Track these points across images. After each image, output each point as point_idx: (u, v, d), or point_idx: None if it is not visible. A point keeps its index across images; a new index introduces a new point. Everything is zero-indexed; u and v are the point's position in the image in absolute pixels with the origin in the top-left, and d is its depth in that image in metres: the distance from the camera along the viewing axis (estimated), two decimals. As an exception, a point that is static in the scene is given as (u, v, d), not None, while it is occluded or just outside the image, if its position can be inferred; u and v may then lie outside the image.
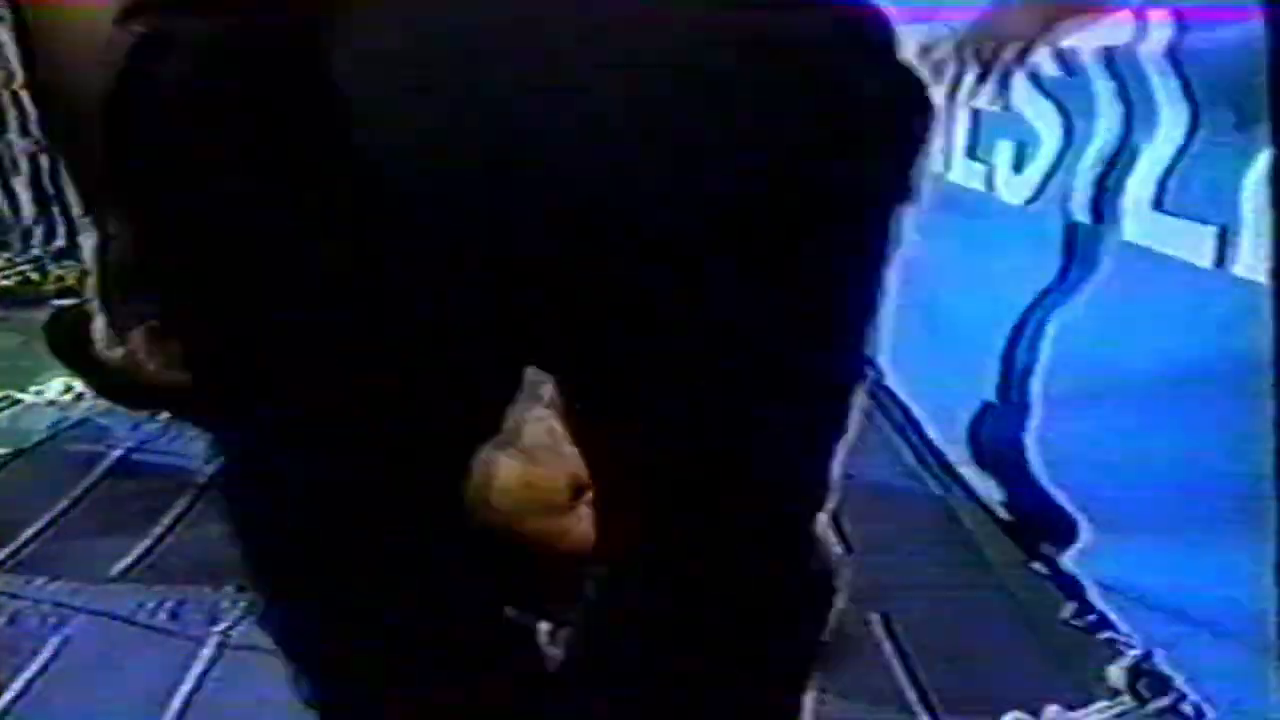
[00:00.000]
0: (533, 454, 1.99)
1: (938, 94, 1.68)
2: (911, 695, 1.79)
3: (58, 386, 2.84)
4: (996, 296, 2.26)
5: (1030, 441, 2.15)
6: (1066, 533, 2.04)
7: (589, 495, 1.88)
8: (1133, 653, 1.80)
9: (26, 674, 1.87)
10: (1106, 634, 1.87)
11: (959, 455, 2.43)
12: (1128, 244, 1.87)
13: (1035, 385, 2.15)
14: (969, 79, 1.88)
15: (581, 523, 1.88)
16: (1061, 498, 2.07)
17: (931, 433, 2.62)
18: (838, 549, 2.22)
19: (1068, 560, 2.02)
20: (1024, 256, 2.18)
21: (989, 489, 2.34)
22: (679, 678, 1.06)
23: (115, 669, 1.85)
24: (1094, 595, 1.94)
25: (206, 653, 1.87)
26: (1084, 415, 2.00)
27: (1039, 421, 2.13)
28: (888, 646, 1.91)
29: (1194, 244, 1.69)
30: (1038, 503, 2.13)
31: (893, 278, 2.99)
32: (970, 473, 2.42)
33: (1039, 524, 2.13)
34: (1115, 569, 1.92)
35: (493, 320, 0.90)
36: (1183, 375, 1.73)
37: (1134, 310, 1.88)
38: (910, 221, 2.84)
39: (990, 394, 2.28)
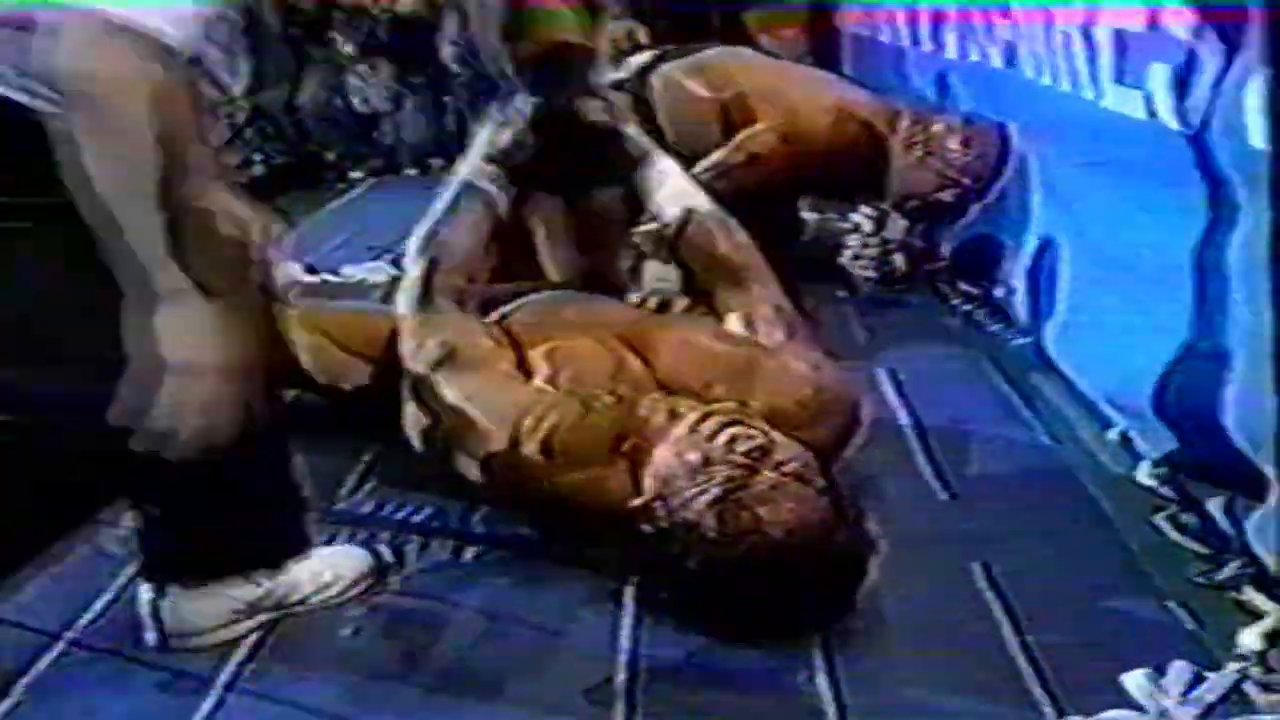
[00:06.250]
0: (589, 401, 2.07)
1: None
2: (1015, 647, 1.81)
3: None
4: (1172, 232, 2.25)
5: (1227, 392, 2.11)
6: (1256, 489, 2.01)
7: (629, 445, 1.96)
8: (1271, 619, 1.81)
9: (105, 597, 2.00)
10: (1245, 595, 1.88)
11: (1130, 403, 2.43)
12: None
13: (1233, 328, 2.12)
14: None
15: (617, 477, 1.95)
16: (1252, 452, 2.04)
17: (1090, 382, 2.63)
18: (942, 495, 2.30)
19: (1252, 521, 2.00)
20: (1198, 187, 2.14)
21: (1156, 440, 2.34)
22: None
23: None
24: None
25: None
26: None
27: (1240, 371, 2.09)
28: (989, 596, 1.94)
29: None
30: (1224, 456, 2.11)
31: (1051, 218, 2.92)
32: (1134, 423, 2.41)
33: (1223, 478, 2.12)
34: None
35: None
36: None
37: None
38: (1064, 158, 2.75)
39: (1185, 338, 2.26)
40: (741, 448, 1.86)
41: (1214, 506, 2.11)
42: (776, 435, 1.90)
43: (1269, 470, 1.94)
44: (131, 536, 1.92)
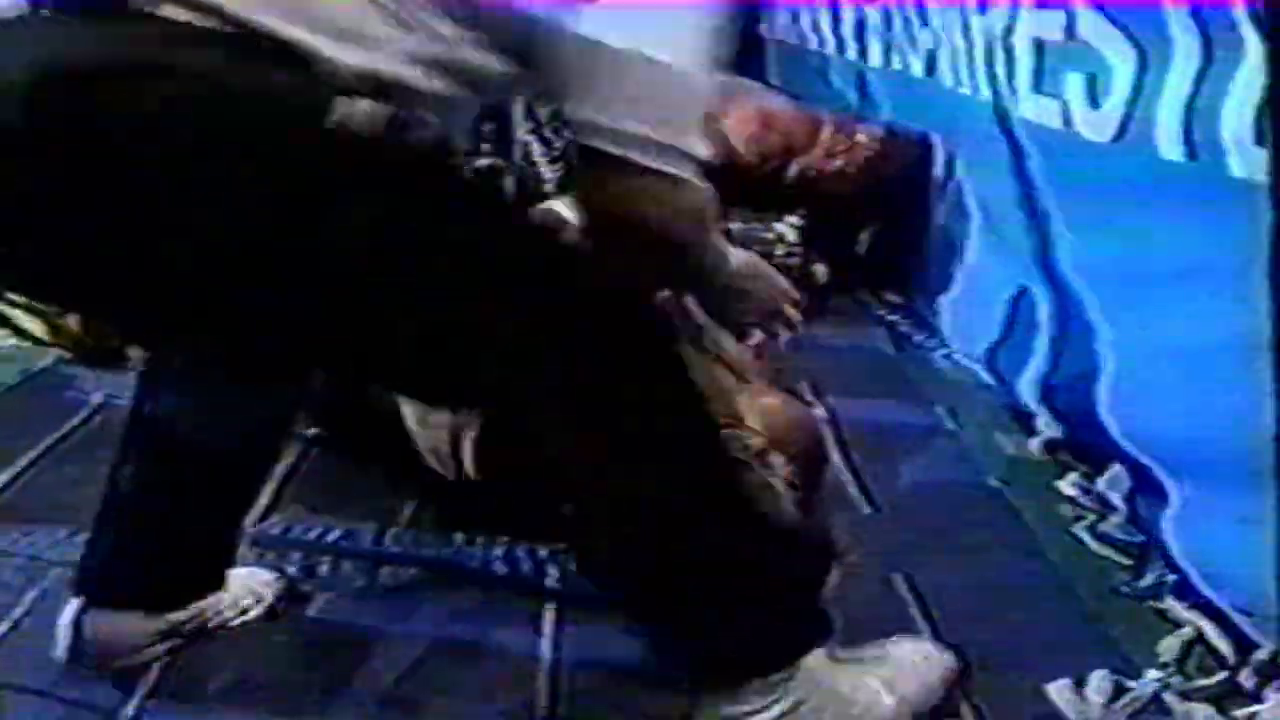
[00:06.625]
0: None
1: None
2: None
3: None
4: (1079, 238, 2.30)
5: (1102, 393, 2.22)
6: (1155, 491, 2.07)
7: None
8: (1189, 626, 1.84)
9: (1, 628, 1.93)
10: (1165, 604, 1.91)
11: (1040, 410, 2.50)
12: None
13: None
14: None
15: None
16: (1138, 453, 2.13)
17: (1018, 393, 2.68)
18: (866, 509, 2.30)
19: (1164, 520, 2.05)
20: (1115, 197, 2.19)
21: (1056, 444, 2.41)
22: None
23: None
24: (1180, 557, 1.98)
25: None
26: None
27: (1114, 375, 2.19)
28: (914, 609, 1.95)
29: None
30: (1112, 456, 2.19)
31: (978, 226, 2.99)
32: (1042, 424, 2.48)
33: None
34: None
35: None
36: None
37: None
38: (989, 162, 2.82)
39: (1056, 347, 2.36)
40: (734, 446, 1.88)
41: (1111, 493, 2.17)
42: (769, 446, 1.93)
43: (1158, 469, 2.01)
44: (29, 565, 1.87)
